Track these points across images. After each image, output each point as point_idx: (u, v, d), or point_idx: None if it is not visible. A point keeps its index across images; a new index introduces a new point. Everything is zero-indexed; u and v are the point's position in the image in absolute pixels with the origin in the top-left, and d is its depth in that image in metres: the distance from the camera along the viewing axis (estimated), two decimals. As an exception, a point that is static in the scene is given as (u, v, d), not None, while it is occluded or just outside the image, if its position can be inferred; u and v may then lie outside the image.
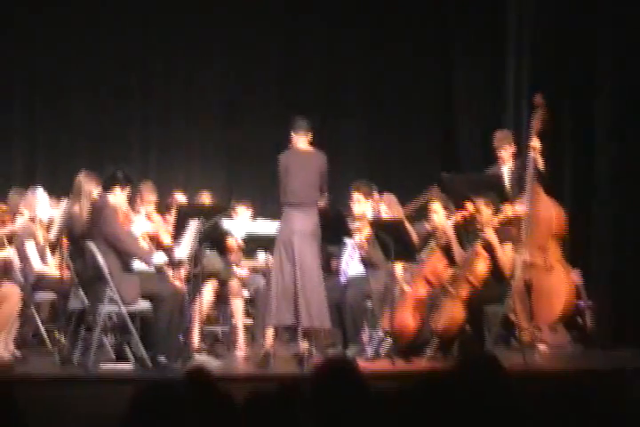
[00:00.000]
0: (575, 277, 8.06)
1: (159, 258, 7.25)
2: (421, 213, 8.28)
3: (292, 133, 7.34)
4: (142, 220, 7.68)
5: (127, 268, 6.92)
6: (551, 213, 7.68)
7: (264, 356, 7.00)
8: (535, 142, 7.74)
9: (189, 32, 10.75)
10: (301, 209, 7.15)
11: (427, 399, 2.79)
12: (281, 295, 7.05)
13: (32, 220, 7.81)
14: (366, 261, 7.87)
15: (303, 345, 7.10)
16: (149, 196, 8.05)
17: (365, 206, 7.99)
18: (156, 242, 7.58)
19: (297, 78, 10.90)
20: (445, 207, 7.81)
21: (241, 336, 7.95)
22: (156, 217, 7.99)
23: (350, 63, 10.91)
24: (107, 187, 7.01)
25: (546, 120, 7.78)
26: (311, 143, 7.38)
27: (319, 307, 7.09)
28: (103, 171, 7.51)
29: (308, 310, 7.03)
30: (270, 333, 7.14)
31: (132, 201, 7.52)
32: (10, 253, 7.41)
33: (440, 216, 7.77)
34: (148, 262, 7.07)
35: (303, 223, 7.12)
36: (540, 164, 7.74)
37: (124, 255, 6.88)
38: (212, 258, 7.96)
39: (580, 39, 9.04)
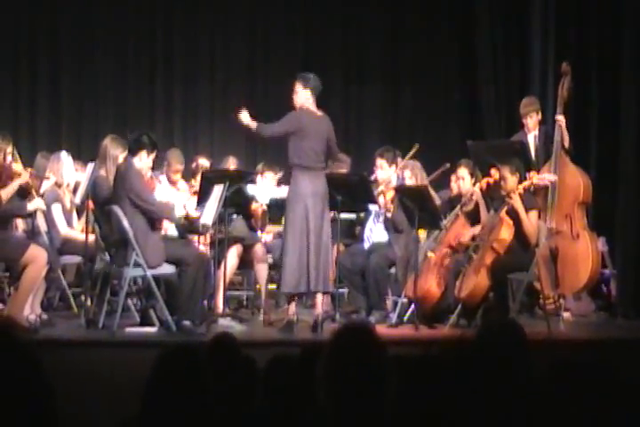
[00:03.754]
0: (600, 245, 8.03)
1: (179, 212, 7.29)
2: (444, 181, 8.28)
3: (306, 90, 7.15)
4: (164, 188, 7.70)
5: (152, 232, 6.95)
6: (578, 181, 7.66)
7: (287, 323, 7.03)
8: (561, 117, 7.71)
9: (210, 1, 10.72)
10: (314, 173, 7.11)
11: (448, 365, 2.80)
12: (296, 262, 7.03)
13: (58, 184, 7.85)
14: (390, 225, 7.86)
15: (317, 310, 7.12)
16: (177, 165, 8.07)
17: (389, 172, 7.98)
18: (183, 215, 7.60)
19: (321, 45, 10.86)
20: (471, 174, 7.80)
21: (265, 301, 7.99)
22: (183, 185, 8.01)
23: (372, 33, 10.84)
24: (133, 151, 7.01)
25: (572, 88, 7.72)
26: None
27: (326, 271, 7.11)
28: (127, 136, 7.52)
29: (317, 275, 7.03)
30: (292, 300, 7.16)
31: (154, 167, 7.51)
32: (41, 203, 7.38)
33: (466, 182, 7.77)
34: (171, 219, 7.12)
35: (316, 186, 7.10)
36: (566, 140, 7.71)
37: (148, 217, 6.91)
38: (236, 223, 7.99)
39: (606, 8, 8.94)
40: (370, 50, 10.88)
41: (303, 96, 7.16)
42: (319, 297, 7.15)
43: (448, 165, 8.12)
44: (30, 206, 7.20)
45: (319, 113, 7.22)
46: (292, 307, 7.14)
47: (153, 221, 6.97)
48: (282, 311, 7.65)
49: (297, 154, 7.11)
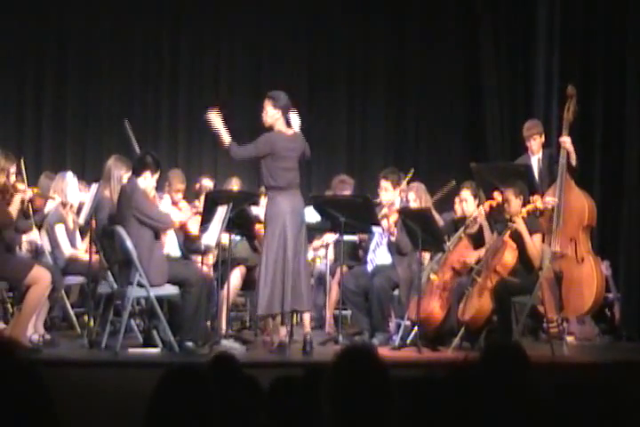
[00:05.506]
0: (604, 269, 8.02)
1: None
2: (448, 203, 8.29)
3: (276, 110, 7.05)
4: (166, 207, 7.71)
5: (156, 252, 6.95)
6: (582, 204, 7.65)
7: (279, 345, 7.00)
8: (566, 138, 7.71)
9: (218, 14, 10.77)
10: (290, 191, 7.08)
11: (451, 389, 2.79)
12: (270, 282, 6.96)
13: (63, 205, 7.86)
14: (394, 248, 7.86)
15: (305, 329, 7.07)
16: (178, 184, 8.09)
17: (393, 195, 7.98)
18: (183, 231, 7.61)
19: (323, 64, 10.90)
20: (475, 196, 7.80)
21: (268, 322, 7.97)
22: (184, 205, 8.02)
23: (377, 50, 10.91)
24: (137, 171, 7.02)
25: (577, 111, 7.74)
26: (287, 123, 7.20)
27: (306, 290, 7.08)
28: (131, 156, 7.54)
29: (294, 294, 6.97)
30: (280, 321, 7.11)
31: (157, 188, 7.51)
32: (37, 236, 7.42)
33: (470, 204, 7.76)
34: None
35: (293, 204, 7.07)
36: (573, 158, 7.71)
37: (155, 233, 6.91)
38: (240, 244, 7.98)
39: (609, 25, 8.99)
40: (376, 71, 10.91)
41: (273, 116, 7.10)
42: (306, 316, 7.13)
43: (454, 181, 8.11)
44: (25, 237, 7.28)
45: (290, 132, 7.16)
46: (283, 329, 7.10)
47: (158, 237, 6.96)
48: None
49: (272, 176, 7.06)
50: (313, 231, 7.93)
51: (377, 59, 10.91)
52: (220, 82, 10.82)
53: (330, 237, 8.39)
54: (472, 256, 7.49)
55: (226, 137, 7.09)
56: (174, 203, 8.03)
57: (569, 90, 7.84)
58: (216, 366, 3.43)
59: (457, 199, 8.00)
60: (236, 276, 7.87)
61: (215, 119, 7.08)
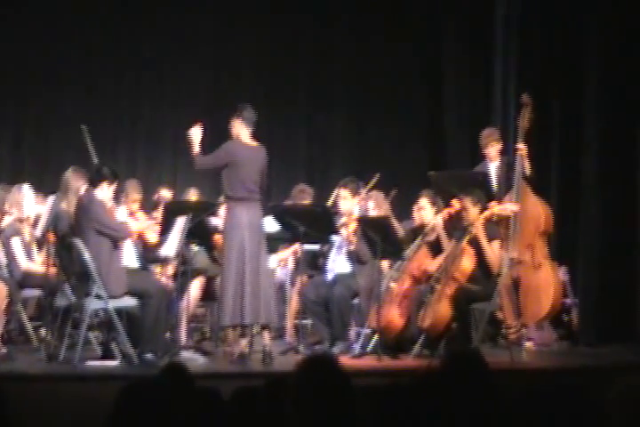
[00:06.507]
0: (561, 274, 8.09)
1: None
2: (407, 212, 8.32)
3: (239, 121, 7.16)
4: (123, 218, 7.67)
5: (115, 263, 6.90)
6: (539, 211, 7.70)
7: (240, 356, 6.98)
8: (521, 145, 7.76)
9: (178, 28, 10.76)
10: (249, 203, 7.08)
11: (414, 396, 2.80)
12: (231, 294, 6.95)
13: (20, 219, 7.78)
14: (353, 257, 7.87)
15: (264, 341, 7.04)
16: (134, 194, 8.05)
17: (352, 203, 8.00)
18: (141, 240, 7.57)
19: (283, 74, 10.92)
20: (433, 203, 7.84)
21: (229, 333, 7.94)
22: (141, 215, 7.98)
23: (338, 62, 10.95)
24: (94, 182, 6.99)
25: (532, 119, 7.80)
26: (254, 136, 7.25)
27: (267, 303, 7.05)
28: (89, 165, 7.51)
29: (256, 307, 6.96)
30: (240, 332, 7.08)
31: (115, 198, 7.48)
32: None
33: (428, 213, 7.80)
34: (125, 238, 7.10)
35: (251, 217, 7.07)
36: (528, 168, 7.77)
37: (114, 243, 6.86)
38: (199, 255, 7.95)
39: (567, 39, 9.08)
40: (335, 82, 10.94)
41: (237, 127, 7.17)
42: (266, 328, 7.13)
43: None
44: None
45: (254, 144, 7.21)
46: (243, 340, 7.07)
47: (117, 247, 6.91)
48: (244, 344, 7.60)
49: (231, 186, 7.09)
50: (273, 241, 7.91)
51: (337, 72, 10.94)
52: (180, 92, 10.79)
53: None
54: (433, 264, 7.52)
55: (196, 148, 7.13)
56: (131, 213, 7.99)
57: (524, 98, 7.91)
58: (167, 376, 3.40)
59: (415, 207, 8.03)
60: (196, 286, 7.84)
61: (197, 133, 7.11)
